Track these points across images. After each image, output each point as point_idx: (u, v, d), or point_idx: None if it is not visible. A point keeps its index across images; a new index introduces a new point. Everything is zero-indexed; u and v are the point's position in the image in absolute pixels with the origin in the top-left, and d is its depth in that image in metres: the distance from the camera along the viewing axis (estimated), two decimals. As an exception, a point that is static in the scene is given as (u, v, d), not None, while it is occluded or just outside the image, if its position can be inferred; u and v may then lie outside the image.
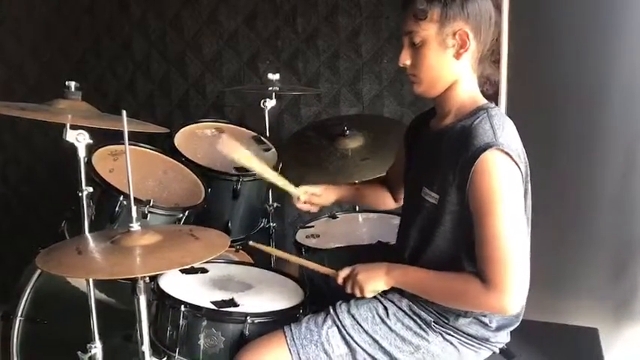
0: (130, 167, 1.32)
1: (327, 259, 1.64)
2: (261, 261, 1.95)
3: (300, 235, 2.03)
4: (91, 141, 1.52)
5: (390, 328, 1.36)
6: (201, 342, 1.41)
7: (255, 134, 2.32)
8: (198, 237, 1.42)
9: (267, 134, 2.32)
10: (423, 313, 1.36)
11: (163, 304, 1.48)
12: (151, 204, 1.71)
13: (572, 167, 2.26)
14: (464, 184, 1.22)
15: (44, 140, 3.15)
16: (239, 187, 2.02)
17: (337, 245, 1.91)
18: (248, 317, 1.40)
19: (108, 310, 1.77)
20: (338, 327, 1.36)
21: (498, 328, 1.36)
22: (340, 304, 1.40)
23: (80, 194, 1.58)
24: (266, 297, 1.54)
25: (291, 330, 1.36)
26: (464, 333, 1.35)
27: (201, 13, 2.76)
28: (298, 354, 1.33)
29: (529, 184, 1.29)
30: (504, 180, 1.20)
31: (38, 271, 1.89)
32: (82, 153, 1.52)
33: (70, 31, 3.02)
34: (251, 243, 1.65)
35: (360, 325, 1.36)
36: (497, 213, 1.19)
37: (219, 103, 2.83)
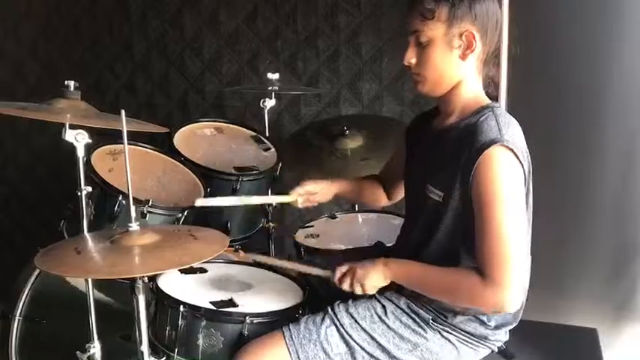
0: (129, 167, 1.32)
1: (326, 262, 1.64)
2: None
3: (300, 235, 2.03)
4: (90, 140, 1.52)
5: (388, 326, 1.36)
6: (200, 342, 1.41)
7: (254, 134, 2.32)
8: (197, 237, 1.42)
9: (267, 134, 2.32)
10: (421, 311, 1.36)
11: (162, 304, 1.48)
12: (150, 204, 1.70)
13: (571, 168, 2.26)
14: (467, 178, 1.22)
15: (43, 140, 3.15)
16: (238, 186, 2.01)
17: (337, 245, 1.91)
18: (247, 317, 1.40)
19: (107, 310, 1.77)
20: (336, 326, 1.36)
21: (497, 327, 1.36)
22: (338, 304, 1.40)
23: (79, 194, 1.57)
24: (265, 297, 1.54)
25: (289, 330, 1.36)
26: (462, 331, 1.35)
27: (201, 12, 2.76)
28: (297, 353, 1.33)
29: (531, 184, 1.29)
30: (507, 176, 1.20)
31: (37, 271, 1.88)
32: (81, 152, 1.52)
33: (69, 30, 3.02)
34: (242, 254, 1.65)
35: (358, 323, 1.36)
36: (498, 208, 1.19)
37: (219, 103, 2.83)
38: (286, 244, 2.46)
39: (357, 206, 2.30)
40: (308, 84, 2.66)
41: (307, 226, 2.11)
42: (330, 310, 1.39)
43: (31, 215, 3.27)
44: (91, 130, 1.51)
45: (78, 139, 1.50)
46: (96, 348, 1.59)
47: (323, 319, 1.38)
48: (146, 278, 1.36)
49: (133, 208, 1.34)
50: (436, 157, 1.34)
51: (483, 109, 1.30)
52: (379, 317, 1.37)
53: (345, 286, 1.38)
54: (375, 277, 1.35)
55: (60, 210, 1.86)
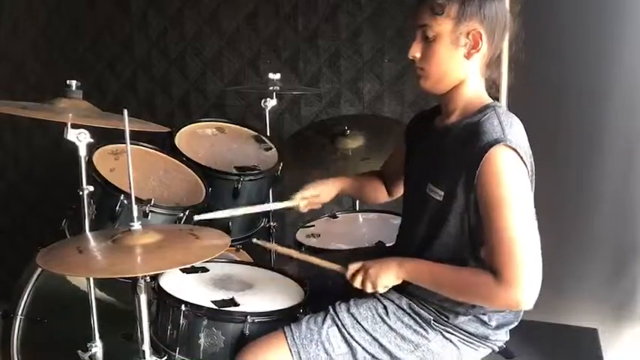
0: (131, 166, 1.32)
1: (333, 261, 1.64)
2: (262, 260, 1.95)
3: (301, 235, 2.03)
4: (92, 140, 1.52)
5: (389, 326, 1.36)
6: (202, 341, 1.42)
7: (255, 134, 2.32)
8: (198, 236, 1.43)
9: (268, 134, 2.32)
10: (422, 312, 1.36)
11: (164, 303, 1.49)
12: (152, 203, 1.70)
13: (572, 168, 2.26)
14: (471, 180, 1.22)
15: (45, 139, 3.15)
16: (240, 186, 2.02)
17: (338, 245, 1.91)
18: (248, 317, 1.40)
19: (108, 309, 1.77)
20: (338, 326, 1.36)
21: (498, 327, 1.37)
22: (340, 304, 1.41)
23: (81, 193, 1.58)
24: (266, 296, 1.54)
25: (291, 330, 1.36)
26: (463, 331, 1.35)
27: (202, 12, 2.76)
28: (299, 354, 1.33)
29: (534, 184, 1.29)
30: (513, 176, 1.20)
31: (39, 270, 1.89)
32: (82, 152, 1.52)
33: (70, 30, 3.02)
34: (254, 240, 1.64)
35: (360, 324, 1.36)
36: (506, 208, 1.19)
37: (220, 103, 2.83)
38: (287, 244, 2.46)
39: (357, 206, 2.31)
40: (309, 84, 2.66)
41: (308, 226, 2.11)
42: (331, 309, 1.39)
43: (32, 214, 3.27)
44: (92, 130, 1.52)
45: (80, 138, 1.50)
46: (97, 347, 1.60)
47: (324, 319, 1.38)
48: (148, 277, 1.37)
49: (134, 208, 1.34)
50: (437, 157, 1.34)
51: (485, 108, 1.30)
52: (381, 317, 1.37)
53: (357, 284, 1.37)
54: (387, 277, 1.34)
55: (62, 209, 1.86)
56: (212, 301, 1.47)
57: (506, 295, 1.19)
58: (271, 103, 2.31)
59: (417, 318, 1.36)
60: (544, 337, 1.70)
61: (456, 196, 1.26)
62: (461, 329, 1.35)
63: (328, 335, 1.35)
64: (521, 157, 1.21)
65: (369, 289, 1.36)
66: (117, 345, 1.72)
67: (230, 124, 2.34)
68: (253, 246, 2.08)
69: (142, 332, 1.39)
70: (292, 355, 1.33)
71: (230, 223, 2.06)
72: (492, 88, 1.37)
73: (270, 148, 2.27)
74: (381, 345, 1.35)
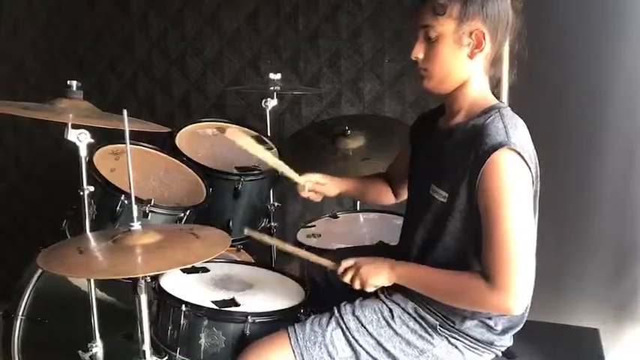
0: (131, 166, 1.32)
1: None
2: (262, 260, 1.95)
3: (301, 235, 2.03)
4: (93, 140, 1.52)
5: (395, 331, 1.35)
6: (202, 341, 1.41)
7: (256, 134, 2.32)
8: (199, 236, 1.42)
9: (269, 134, 2.32)
10: (428, 317, 1.35)
11: (164, 303, 1.49)
12: (152, 203, 1.70)
13: (573, 168, 2.26)
14: (473, 182, 1.21)
15: (45, 139, 3.15)
16: (240, 186, 2.02)
17: (338, 245, 1.91)
18: (249, 317, 1.40)
19: (109, 310, 1.77)
20: (342, 329, 1.35)
21: (503, 331, 1.35)
22: (345, 305, 1.39)
23: (81, 193, 1.58)
24: (267, 296, 1.54)
25: (295, 331, 1.36)
26: (469, 336, 1.34)
27: (203, 12, 2.76)
28: (302, 355, 1.33)
29: (538, 186, 1.28)
30: (515, 180, 1.20)
31: (39, 271, 1.89)
32: (83, 152, 1.52)
33: (70, 30, 3.02)
34: (246, 232, 1.62)
35: (364, 327, 1.35)
36: (505, 212, 1.18)
37: (221, 103, 2.83)
38: (288, 244, 2.46)
39: (358, 206, 2.30)
40: (309, 84, 2.66)
41: (309, 226, 2.11)
42: (336, 311, 1.38)
43: (33, 215, 3.27)
44: (93, 130, 1.52)
45: (80, 138, 1.50)
46: (98, 347, 1.60)
47: (329, 322, 1.37)
48: (148, 278, 1.37)
49: (135, 208, 1.34)
50: (441, 158, 1.33)
51: (490, 109, 1.28)
52: (386, 321, 1.36)
53: (346, 279, 1.37)
54: (377, 277, 1.34)
55: (62, 210, 1.86)
56: (213, 302, 1.47)
57: (496, 300, 1.19)
58: (272, 103, 2.31)
59: (423, 323, 1.35)
60: (545, 338, 1.69)
61: (459, 197, 1.25)
62: (467, 335, 1.34)
63: (332, 338, 1.34)
64: (525, 161, 1.20)
65: (357, 286, 1.35)
66: (117, 345, 1.72)
67: (231, 125, 2.34)
68: (254, 246, 2.08)
69: (142, 332, 1.39)
70: (295, 356, 1.33)
71: (231, 223, 2.06)
72: (497, 87, 1.37)
73: (271, 149, 2.27)
74: (385, 350, 1.34)
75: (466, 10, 1.25)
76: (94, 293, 1.61)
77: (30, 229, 3.27)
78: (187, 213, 1.81)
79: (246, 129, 2.33)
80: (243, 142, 1.57)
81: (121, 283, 1.50)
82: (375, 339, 1.35)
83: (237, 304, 1.47)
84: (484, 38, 1.27)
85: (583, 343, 1.72)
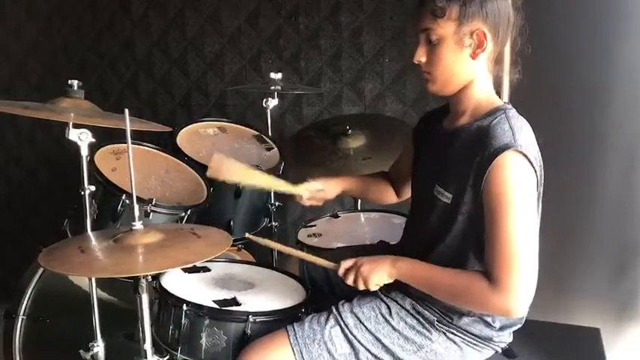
0: (133, 166, 1.32)
1: (329, 259, 1.64)
2: (264, 260, 1.95)
3: (302, 234, 2.03)
4: (94, 140, 1.52)
5: (393, 327, 1.36)
6: (203, 341, 1.41)
7: (257, 133, 2.32)
8: (200, 235, 1.43)
9: (269, 133, 2.32)
10: (426, 312, 1.36)
11: (165, 302, 1.49)
12: (154, 203, 1.71)
13: (574, 167, 2.26)
14: (479, 184, 1.21)
15: (47, 139, 3.16)
16: (241, 186, 2.02)
17: (339, 244, 1.91)
18: (250, 316, 1.40)
19: (110, 309, 1.77)
20: (341, 326, 1.36)
21: (502, 328, 1.36)
22: (343, 304, 1.40)
23: (82, 193, 1.58)
24: (268, 296, 1.54)
25: (294, 329, 1.36)
26: (467, 332, 1.35)
27: (203, 11, 2.76)
28: (301, 353, 1.33)
29: (542, 188, 1.28)
30: (520, 182, 1.20)
31: (40, 270, 1.89)
32: (84, 152, 1.52)
33: (71, 29, 3.02)
34: (247, 235, 1.63)
35: (363, 324, 1.36)
36: (509, 214, 1.18)
37: (222, 102, 2.83)
38: (289, 243, 2.46)
39: (359, 205, 2.30)
40: (310, 83, 2.66)
41: (309, 226, 2.11)
42: (334, 309, 1.39)
43: (34, 214, 3.27)
44: (94, 130, 1.52)
45: (81, 138, 1.50)
46: (99, 347, 1.60)
47: (327, 319, 1.37)
48: (149, 277, 1.36)
49: (136, 207, 1.34)
50: (446, 159, 1.32)
51: (496, 110, 1.28)
52: (384, 318, 1.37)
53: (349, 281, 1.37)
54: (379, 275, 1.33)
55: (63, 209, 1.87)
56: (214, 301, 1.47)
57: (498, 301, 1.19)
58: (273, 102, 2.31)
59: (421, 319, 1.36)
60: (546, 337, 1.69)
61: (463, 199, 1.25)
62: (465, 330, 1.34)
63: (331, 335, 1.35)
64: (531, 163, 1.21)
65: (360, 287, 1.35)
66: (119, 344, 1.72)
67: (232, 124, 2.34)
68: (255, 245, 2.08)
69: (143, 332, 1.39)
70: (295, 354, 1.33)
71: (232, 223, 2.06)
72: (501, 86, 1.37)
73: (272, 148, 2.27)
74: (383, 345, 1.35)
75: (465, 11, 1.25)
76: (95, 293, 1.61)
77: (31, 228, 3.27)
78: (188, 212, 1.81)
79: (245, 128, 2.33)
80: (229, 174, 1.52)
81: (122, 282, 1.50)
82: (374, 335, 1.35)
83: (238, 304, 1.47)
84: (485, 38, 1.27)
85: (584, 343, 1.72)
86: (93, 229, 1.60)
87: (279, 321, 1.41)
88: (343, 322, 1.36)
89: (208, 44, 2.79)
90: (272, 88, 2.28)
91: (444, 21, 1.26)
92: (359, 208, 2.29)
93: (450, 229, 1.29)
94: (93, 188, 1.60)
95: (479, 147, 1.22)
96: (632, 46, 2.15)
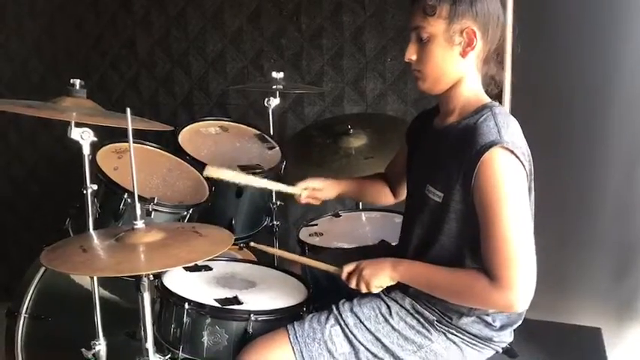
0: (135, 165, 1.32)
1: (330, 260, 1.64)
2: (265, 259, 1.95)
3: (304, 234, 2.03)
4: (96, 139, 1.53)
5: (392, 327, 1.36)
6: (205, 339, 1.42)
7: (258, 132, 2.32)
8: (202, 234, 1.43)
9: (271, 132, 2.32)
10: (426, 312, 1.36)
11: (167, 301, 1.49)
12: (155, 202, 1.71)
13: (575, 167, 2.26)
14: (468, 182, 1.22)
15: (49, 138, 3.16)
16: (242, 185, 2.02)
17: (340, 244, 1.91)
18: (251, 315, 1.40)
19: (112, 308, 1.77)
20: (341, 325, 1.36)
21: (502, 327, 1.36)
22: (343, 303, 1.41)
23: (84, 192, 1.58)
24: (269, 295, 1.54)
25: (294, 328, 1.37)
26: (467, 332, 1.35)
27: (205, 11, 2.77)
28: (301, 352, 1.33)
29: (532, 183, 1.29)
30: (509, 177, 1.20)
31: (42, 269, 1.89)
32: (86, 151, 1.52)
33: (73, 29, 3.03)
34: (252, 244, 1.66)
35: (362, 323, 1.36)
36: (502, 210, 1.19)
37: (223, 102, 2.83)
38: (290, 243, 2.46)
39: (360, 205, 2.30)
40: (312, 83, 2.66)
41: (311, 225, 2.11)
42: (334, 309, 1.39)
43: (36, 213, 3.28)
44: (96, 129, 1.52)
45: (83, 137, 1.50)
46: (101, 345, 1.60)
47: (327, 319, 1.38)
48: (151, 276, 1.37)
49: (138, 206, 1.34)
50: (435, 158, 1.33)
51: (482, 108, 1.29)
52: (384, 317, 1.37)
53: (352, 285, 1.38)
54: (380, 277, 1.34)
55: (65, 208, 1.87)
56: (215, 300, 1.47)
57: (500, 297, 1.20)
58: (274, 101, 2.31)
59: (420, 318, 1.36)
60: (547, 337, 1.69)
61: (454, 197, 1.26)
62: (464, 330, 1.35)
63: (331, 334, 1.35)
64: (519, 158, 1.21)
65: (363, 290, 1.36)
66: (120, 343, 1.72)
67: (233, 123, 2.35)
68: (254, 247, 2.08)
69: (145, 330, 1.39)
70: (295, 353, 1.33)
71: (234, 222, 2.06)
72: (491, 85, 1.37)
73: (274, 147, 2.27)
74: (383, 345, 1.35)
75: (456, 9, 1.26)
76: (97, 291, 1.62)
77: (33, 227, 3.28)
78: (190, 211, 1.81)
79: (247, 127, 2.34)
80: (225, 176, 1.59)
81: (124, 281, 1.50)
82: (373, 334, 1.35)
83: (239, 303, 1.48)
84: (475, 36, 1.28)
85: (585, 343, 1.72)
86: (95, 228, 1.60)
87: (281, 320, 1.42)
88: (343, 321, 1.36)
89: (210, 43, 2.79)
90: (274, 87, 2.28)
91: (434, 19, 1.27)
92: (360, 207, 2.29)
93: (442, 228, 1.30)
94: (95, 187, 1.60)
95: (466, 145, 1.23)
96: (633, 46, 2.15)
